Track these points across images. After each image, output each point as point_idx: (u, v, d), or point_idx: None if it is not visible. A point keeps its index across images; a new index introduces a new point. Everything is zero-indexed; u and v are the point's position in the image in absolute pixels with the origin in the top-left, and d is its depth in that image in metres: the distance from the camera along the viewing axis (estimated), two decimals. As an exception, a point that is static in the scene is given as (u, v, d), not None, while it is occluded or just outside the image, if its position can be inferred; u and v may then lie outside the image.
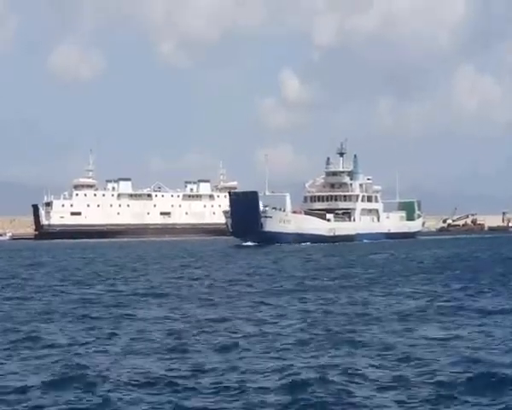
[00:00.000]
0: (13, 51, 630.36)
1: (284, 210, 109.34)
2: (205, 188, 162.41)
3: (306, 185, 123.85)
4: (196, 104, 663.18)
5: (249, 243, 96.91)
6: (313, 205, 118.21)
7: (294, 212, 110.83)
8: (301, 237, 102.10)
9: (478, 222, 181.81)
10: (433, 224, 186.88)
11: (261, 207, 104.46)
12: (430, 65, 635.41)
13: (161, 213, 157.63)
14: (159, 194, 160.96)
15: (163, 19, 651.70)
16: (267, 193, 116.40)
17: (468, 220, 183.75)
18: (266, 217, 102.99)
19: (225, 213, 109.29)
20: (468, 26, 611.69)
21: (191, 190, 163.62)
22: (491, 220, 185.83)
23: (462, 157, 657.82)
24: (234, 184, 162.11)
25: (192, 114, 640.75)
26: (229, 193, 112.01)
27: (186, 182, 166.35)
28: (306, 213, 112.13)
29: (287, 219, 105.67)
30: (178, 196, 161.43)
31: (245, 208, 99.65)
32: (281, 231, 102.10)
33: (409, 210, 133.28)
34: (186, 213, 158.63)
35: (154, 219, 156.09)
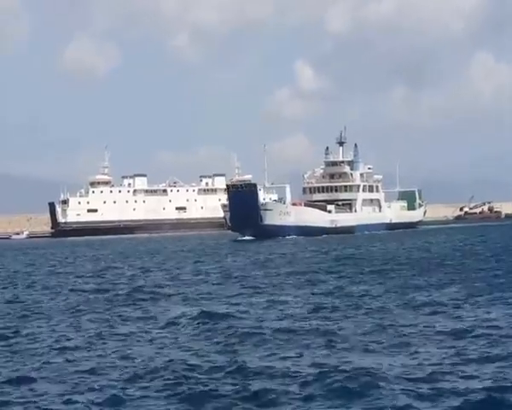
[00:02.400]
0: (25, 50, 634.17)
1: (284, 202, 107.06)
2: (220, 182, 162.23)
3: (305, 176, 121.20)
4: (209, 98, 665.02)
5: (248, 237, 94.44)
6: (313, 196, 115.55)
7: (294, 204, 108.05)
8: (302, 230, 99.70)
9: (495, 209, 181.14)
10: (450, 212, 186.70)
11: (261, 200, 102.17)
12: (444, 53, 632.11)
13: (177, 208, 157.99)
14: (174, 189, 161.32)
15: (174, 13, 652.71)
16: (266, 185, 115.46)
17: (485, 208, 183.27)
18: (266, 210, 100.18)
19: (223, 206, 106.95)
20: (483, 12, 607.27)
21: (206, 184, 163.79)
22: (508, 207, 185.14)
23: (478, 145, 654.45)
24: (249, 177, 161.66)
25: (205, 108, 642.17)
26: (228, 186, 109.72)
27: (201, 176, 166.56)
28: (307, 205, 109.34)
29: (287, 212, 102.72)
30: (194, 191, 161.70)
31: (244, 201, 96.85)
32: (281, 224, 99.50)
33: (410, 199, 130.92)
34: (202, 208, 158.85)
35: (170, 214, 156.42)
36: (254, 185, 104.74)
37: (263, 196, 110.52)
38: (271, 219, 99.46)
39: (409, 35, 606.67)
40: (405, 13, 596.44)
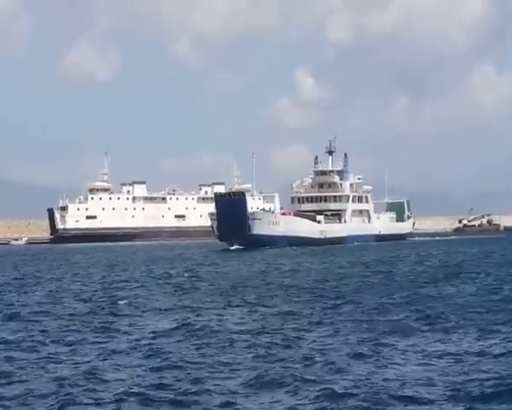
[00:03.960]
0: (25, 52, 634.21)
1: (273, 212, 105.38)
2: (219, 190, 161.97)
3: (294, 185, 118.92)
4: (210, 105, 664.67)
5: (235, 247, 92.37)
6: (301, 206, 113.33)
7: (284, 213, 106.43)
8: (291, 240, 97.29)
9: (494, 222, 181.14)
10: (449, 224, 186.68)
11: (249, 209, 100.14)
12: (446, 62, 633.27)
13: (176, 216, 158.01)
14: (173, 197, 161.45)
15: (177, 19, 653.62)
16: (255, 193, 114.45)
17: (484, 220, 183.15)
18: (254, 219, 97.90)
19: (211, 215, 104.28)
20: (485, 24, 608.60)
21: (206, 192, 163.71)
22: (507, 220, 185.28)
23: (476, 157, 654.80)
24: (248, 186, 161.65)
25: (206, 115, 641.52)
26: (215, 194, 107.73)
27: (201, 185, 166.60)
28: (296, 215, 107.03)
29: (276, 222, 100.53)
30: (193, 199, 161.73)
31: (232, 210, 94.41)
32: (269, 234, 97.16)
33: (398, 211, 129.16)
34: (201, 216, 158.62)
35: (169, 222, 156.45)
36: (243, 194, 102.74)
37: (258, 205, 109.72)
38: (260, 228, 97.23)
39: (411, 45, 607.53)
40: (407, 22, 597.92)
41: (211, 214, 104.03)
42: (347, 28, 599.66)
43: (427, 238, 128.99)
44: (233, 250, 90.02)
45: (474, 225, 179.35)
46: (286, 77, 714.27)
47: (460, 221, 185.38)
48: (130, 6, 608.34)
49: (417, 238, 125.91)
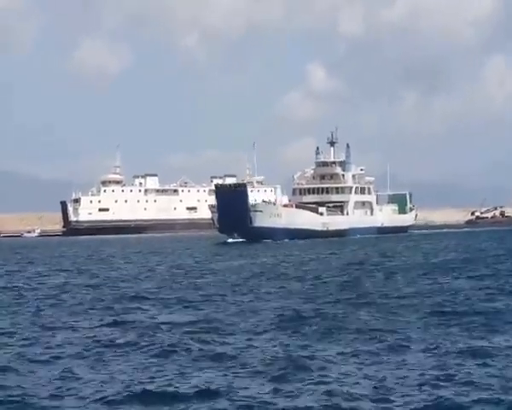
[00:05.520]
0: (35, 50, 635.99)
1: (275, 204, 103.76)
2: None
3: (295, 177, 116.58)
4: (220, 99, 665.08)
5: (236, 240, 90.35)
6: (303, 198, 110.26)
7: (285, 205, 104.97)
8: (293, 233, 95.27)
9: (506, 214, 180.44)
10: (461, 216, 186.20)
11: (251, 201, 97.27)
12: (456, 57, 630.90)
13: (187, 208, 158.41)
14: (185, 189, 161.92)
15: (185, 16, 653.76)
16: (255, 184, 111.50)
17: (497, 212, 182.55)
18: (256, 211, 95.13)
19: (211, 207, 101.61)
20: (495, 18, 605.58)
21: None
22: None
23: (490, 150, 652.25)
24: (260, 178, 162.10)
25: (216, 109, 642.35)
26: (216, 185, 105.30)
27: (212, 177, 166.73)
28: (298, 207, 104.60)
29: (277, 214, 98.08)
30: (205, 191, 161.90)
31: (233, 202, 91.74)
32: (271, 226, 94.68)
33: (400, 203, 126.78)
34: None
35: (181, 214, 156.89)
36: (244, 185, 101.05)
37: (263, 197, 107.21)
38: (261, 221, 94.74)
39: (421, 39, 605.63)
40: (418, 17, 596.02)
41: (211, 206, 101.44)
42: (358, 22, 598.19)
43: (436, 230, 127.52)
44: (236, 243, 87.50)
45: (487, 217, 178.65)
46: (295, 71, 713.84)
47: (472, 213, 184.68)
48: (137, 5, 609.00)
49: (417, 231, 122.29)
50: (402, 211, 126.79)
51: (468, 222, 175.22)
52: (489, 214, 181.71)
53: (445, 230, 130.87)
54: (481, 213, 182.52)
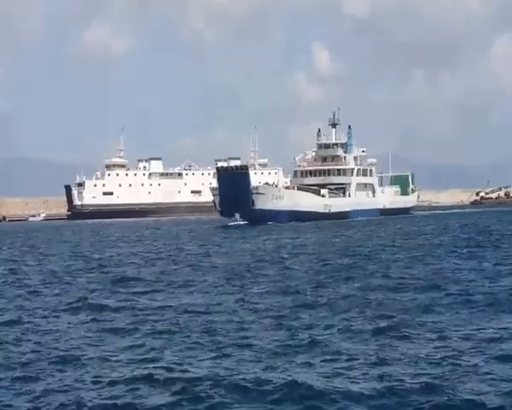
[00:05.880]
0: (44, 32, 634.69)
1: (277, 186, 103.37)
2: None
3: (296, 159, 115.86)
4: (227, 82, 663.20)
5: (238, 223, 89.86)
6: (304, 180, 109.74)
7: (287, 188, 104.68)
8: (295, 215, 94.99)
9: (511, 195, 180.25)
10: (466, 197, 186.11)
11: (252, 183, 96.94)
12: (464, 35, 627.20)
13: (192, 192, 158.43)
14: (189, 172, 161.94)
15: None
16: (257, 167, 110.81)
17: (502, 193, 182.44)
18: (258, 194, 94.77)
19: (212, 189, 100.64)
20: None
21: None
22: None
23: (496, 130, 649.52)
24: (264, 161, 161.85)
25: (221, 92, 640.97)
26: (217, 168, 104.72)
27: (216, 160, 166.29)
28: (300, 189, 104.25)
29: (279, 196, 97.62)
30: (209, 174, 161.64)
31: (234, 185, 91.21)
32: (273, 209, 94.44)
33: (402, 184, 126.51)
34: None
35: (185, 197, 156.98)
36: (246, 167, 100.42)
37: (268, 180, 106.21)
38: (263, 203, 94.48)
39: (428, 18, 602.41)
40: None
41: (213, 189, 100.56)
42: (364, 2, 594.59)
43: (439, 211, 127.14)
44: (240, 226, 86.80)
45: (492, 198, 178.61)
46: (302, 52, 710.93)
47: (477, 194, 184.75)
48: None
49: (419, 212, 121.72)
50: (404, 192, 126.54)
51: (473, 203, 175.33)
52: (493, 195, 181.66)
53: (448, 211, 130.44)
54: (486, 193, 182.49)
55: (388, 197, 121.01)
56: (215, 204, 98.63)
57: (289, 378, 13.55)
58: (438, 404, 12.14)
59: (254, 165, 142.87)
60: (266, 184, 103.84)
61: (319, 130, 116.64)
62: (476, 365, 14.30)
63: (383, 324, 18.44)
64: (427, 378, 13.38)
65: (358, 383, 13.35)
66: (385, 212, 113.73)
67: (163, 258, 41.12)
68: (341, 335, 17.38)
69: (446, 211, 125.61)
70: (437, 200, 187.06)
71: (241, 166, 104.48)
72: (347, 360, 14.91)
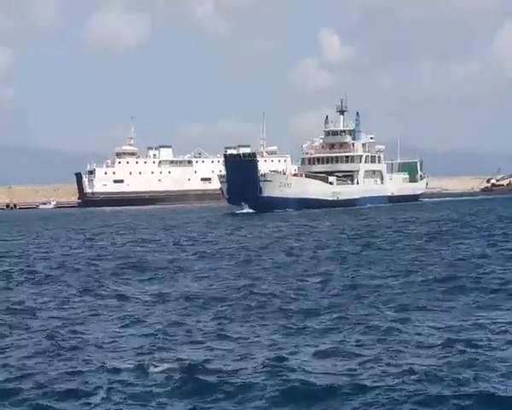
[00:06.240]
0: (51, 21, 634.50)
1: (284, 173, 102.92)
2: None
3: (304, 146, 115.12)
4: (235, 69, 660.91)
5: (246, 211, 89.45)
6: (312, 167, 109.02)
7: (295, 175, 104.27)
8: (303, 203, 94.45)
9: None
10: (477, 184, 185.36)
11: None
12: (474, 22, 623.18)
13: (202, 179, 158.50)
14: (199, 160, 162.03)
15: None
16: (265, 154, 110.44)
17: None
18: (266, 181, 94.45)
19: (220, 177, 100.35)
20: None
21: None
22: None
23: (506, 116, 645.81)
24: (274, 148, 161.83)
25: (230, 79, 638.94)
26: (225, 155, 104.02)
27: (226, 147, 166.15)
28: (307, 177, 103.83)
29: (287, 183, 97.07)
30: (219, 162, 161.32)
31: (242, 172, 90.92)
32: (281, 196, 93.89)
33: (411, 171, 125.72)
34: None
35: (195, 185, 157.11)
36: (254, 155, 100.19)
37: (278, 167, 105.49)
38: (271, 190, 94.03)
39: (438, 3, 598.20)
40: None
41: (220, 177, 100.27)
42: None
43: (448, 198, 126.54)
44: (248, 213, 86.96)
45: (503, 185, 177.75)
46: (310, 39, 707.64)
47: (488, 181, 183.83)
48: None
49: (428, 199, 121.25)
50: (412, 179, 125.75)
51: (484, 190, 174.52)
52: (505, 182, 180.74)
53: (458, 198, 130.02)
54: (497, 180, 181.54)
55: (397, 184, 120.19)
56: (222, 191, 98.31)
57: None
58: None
59: (262, 152, 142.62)
60: (274, 171, 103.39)
61: (327, 117, 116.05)
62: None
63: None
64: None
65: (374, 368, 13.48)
66: (393, 199, 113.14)
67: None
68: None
69: (462, 198, 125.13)
70: (447, 187, 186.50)
71: (249, 153, 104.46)
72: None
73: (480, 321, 17.15)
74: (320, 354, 14.54)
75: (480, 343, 14.90)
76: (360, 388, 12.33)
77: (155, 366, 13.85)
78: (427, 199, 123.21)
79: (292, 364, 13.76)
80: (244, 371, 13.48)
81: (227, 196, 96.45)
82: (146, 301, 21.44)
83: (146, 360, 14.31)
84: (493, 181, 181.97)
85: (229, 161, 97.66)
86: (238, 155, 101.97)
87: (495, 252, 32.58)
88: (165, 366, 13.87)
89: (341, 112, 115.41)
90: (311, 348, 15.06)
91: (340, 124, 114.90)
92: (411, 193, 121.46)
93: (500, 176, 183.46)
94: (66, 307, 20.91)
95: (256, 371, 13.40)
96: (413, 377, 12.79)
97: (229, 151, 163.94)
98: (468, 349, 14.42)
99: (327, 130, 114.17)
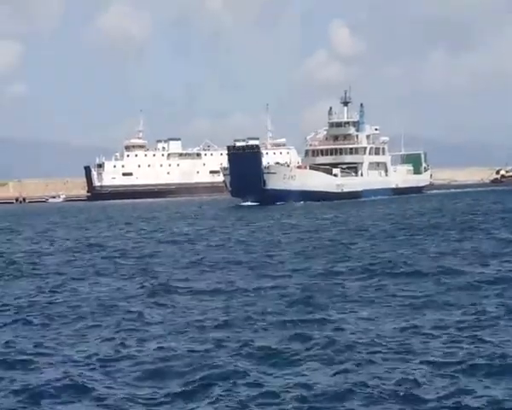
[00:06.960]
0: (64, 16, 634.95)
1: (288, 165, 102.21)
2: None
3: (308, 138, 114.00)
4: (242, 62, 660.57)
5: (249, 203, 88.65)
6: (316, 159, 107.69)
7: (299, 167, 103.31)
8: (307, 195, 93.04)
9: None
10: (486, 175, 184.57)
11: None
12: (484, 15, 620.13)
13: (211, 172, 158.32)
14: (208, 153, 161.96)
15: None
16: (269, 146, 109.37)
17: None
18: (269, 173, 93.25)
19: (223, 169, 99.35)
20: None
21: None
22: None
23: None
24: (282, 141, 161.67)
25: (239, 72, 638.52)
26: (228, 147, 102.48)
27: (235, 140, 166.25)
28: (311, 169, 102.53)
29: (291, 176, 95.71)
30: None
31: (246, 164, 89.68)
32: (285, 189, 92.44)
33: (415, 163, 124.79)
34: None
35: (204, 177, 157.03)
36: (257, 147, 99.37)
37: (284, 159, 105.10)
38: (275, 183, 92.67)
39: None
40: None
41: (223, 169, 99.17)
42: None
43: (454, 190, 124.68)
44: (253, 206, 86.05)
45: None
46: (319, 32, 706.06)
47: (497, 172, 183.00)
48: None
49: (433, 191, 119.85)
50: (417, 171, 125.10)
51: (494, 181, 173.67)
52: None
53: (465, 189, 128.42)
54: (506, 171, 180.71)
55: (401, 176, 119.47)
56: (226, 184, 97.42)
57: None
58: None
59: (266, 144, 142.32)
60: (277, 163, 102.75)
61: (330, 108, 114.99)
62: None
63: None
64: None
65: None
66: (397, 191, 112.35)
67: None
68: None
69: (464, 189, 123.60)
70: (456, 178, 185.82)
71: (252, 145, 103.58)
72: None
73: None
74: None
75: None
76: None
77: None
78: (435, 191, 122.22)
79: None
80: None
81: (230, 189, 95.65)
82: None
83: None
84: (503, 172, 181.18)
85: (232, 153, 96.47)
86: (241, 147, 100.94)
87: None
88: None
89: (345, 103, 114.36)
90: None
91: (344, 115, 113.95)
92: (415, 185, 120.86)
93: (510, 167, 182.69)
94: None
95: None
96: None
97: (238, 144, 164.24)
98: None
99: (331, 121, 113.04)
